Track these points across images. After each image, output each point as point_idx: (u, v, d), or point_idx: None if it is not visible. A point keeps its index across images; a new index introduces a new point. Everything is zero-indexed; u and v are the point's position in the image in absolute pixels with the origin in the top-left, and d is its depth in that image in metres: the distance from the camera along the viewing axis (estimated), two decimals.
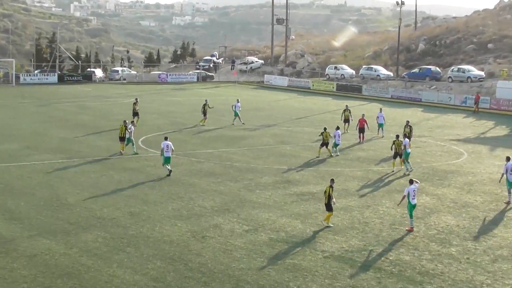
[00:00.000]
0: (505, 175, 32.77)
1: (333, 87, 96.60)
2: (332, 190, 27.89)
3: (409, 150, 39.99)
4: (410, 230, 27.73)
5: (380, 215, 30.07)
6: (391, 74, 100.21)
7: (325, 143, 43.39)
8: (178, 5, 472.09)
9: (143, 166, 39.11)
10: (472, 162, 43.22)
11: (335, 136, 44.17)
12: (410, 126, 46.18)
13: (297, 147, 47.19)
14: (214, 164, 40.49)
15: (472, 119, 68.01)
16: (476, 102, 75.55)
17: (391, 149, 40.23)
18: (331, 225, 28.00)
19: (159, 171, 37.59)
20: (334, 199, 28.17)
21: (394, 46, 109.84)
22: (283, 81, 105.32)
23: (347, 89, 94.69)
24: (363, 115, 50.90)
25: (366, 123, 50.11)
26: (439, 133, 56.12)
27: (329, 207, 27.93)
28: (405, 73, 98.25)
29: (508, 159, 33.07)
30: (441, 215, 30.17)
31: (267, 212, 30.04)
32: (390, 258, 24.35)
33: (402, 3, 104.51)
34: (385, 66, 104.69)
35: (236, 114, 57.71)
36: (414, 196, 27.91)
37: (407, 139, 40.73)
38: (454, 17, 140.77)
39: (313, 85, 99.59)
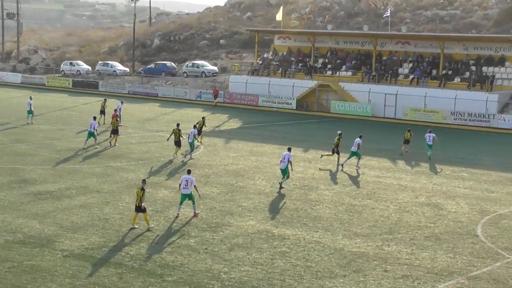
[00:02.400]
0: None
1: (69, 84, 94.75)
2: (143, 193, 27.15)
3: (191, 140, 42.88)
4: (196, 215, 29.39)
5: (120, 210, 30.04)
6: (128, 69, 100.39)
7: None
8: None
9: None
10: (208, 155, 44.51)
11: (91, 126, 45.55)
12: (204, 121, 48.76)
13: (33, 145, 45.74)
14: None
15: (208, 113, 69.98)
16: (215, 96, 78.16)
17: (167, 139, 43.98)
18: (153, 226, 27.60)
19: None
20: (144, 203, 27.23)
21: (129, 41, 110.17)
22: (16, 77, 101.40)
23: (84, 85, 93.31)
24: (116, 110, 51.08)
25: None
26: None
27: (140, 209, 27.17)
28: (141, 68, 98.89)
29: None
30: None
31: (2, 213, 28.83)
32: (131, 253, 24.42)
33: None
34: (121, 62, 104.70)
35: (30, 112, 55.38)
36: (186, 185, 28.82)
37: (194, 130, 43.67)
38: (187, 13, 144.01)
39: (48, 82, 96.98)
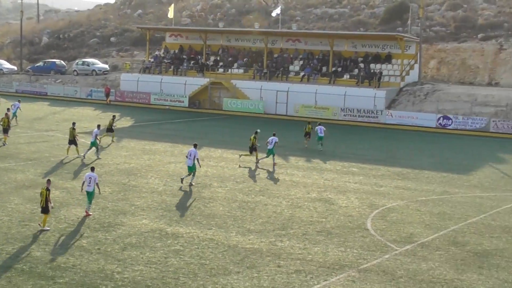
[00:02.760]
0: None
1: None
2: (49, 193, 26.76)
3: (93, 140, 42.29)
4: (88, 215, 29.01)
5: (8, 212, 29.24)
6: (15, 68, 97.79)
7: None
8: None
9: None
10: (100, 154, 43.81)
11: None
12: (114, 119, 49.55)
13: None
14: None
15: (99, 111, 69.02)
16: (107, 95, 77.26)
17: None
18: (48, 228, 26.93)
19: None
20: (51, 203, 27.03)
21: (17, 39, 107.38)
22: None
23: None
24: (8, 109, 50.21)
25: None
26: (66, 127, 55.84)
27: (45, 210, 26.72)
28: (29, 66, 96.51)
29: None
30: (71, 208, 30.19)
31: None
32: (21, 255, 23.80)
33: None
34: (8, 60, 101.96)
35: None
36: (89, 183, 28.94)
37: (97, 130, 42.85)
38: (77, 11, 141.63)
39: None
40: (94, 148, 42.64)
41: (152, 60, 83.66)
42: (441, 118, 64.35)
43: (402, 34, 74.80)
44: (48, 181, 27.54)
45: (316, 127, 48.87)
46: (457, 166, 45.24)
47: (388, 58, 72.96)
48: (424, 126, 64.22)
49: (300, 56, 77.17)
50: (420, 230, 29.01)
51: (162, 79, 78.17)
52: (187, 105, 74.82)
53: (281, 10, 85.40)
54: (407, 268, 23.93)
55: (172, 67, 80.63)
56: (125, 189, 34.49)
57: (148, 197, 33.07)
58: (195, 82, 76.43)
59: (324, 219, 30.17)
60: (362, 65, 73.04)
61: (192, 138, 49.88)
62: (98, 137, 43.01)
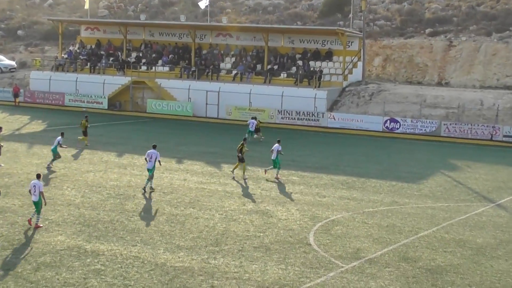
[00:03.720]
0: None
1: None
2: None
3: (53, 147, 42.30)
4: (38, 227, 29.39)
5: None
6: None
7: None
8: None
9: None
10: (7, 163, 43.06)
11: None
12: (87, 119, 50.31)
13: None
14: None
15: (6, 114, 67.88)
16: (16, 95, 75.98)
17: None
18: None
19: None
20: None
21: None
22: None
23: None
24: None
25: None
26: None
27: None
28: None
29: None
30: None
31: None
32: None
33: None
34: None
35: None
36: (34, 192, 29.30)
37: (60, 137, 42.93)
38: None
39: None
40: (56, 156, 42.69)
41: (65, 56, 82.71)
42: (388, 121, 65.25)
43: (344, 29, 75.61)
44: None
45: (249, 121, 53.64)
46: (407, 173, 45.86)
47: (328, 55, 73.64)
48: (370, 130, 65.00)
49: (232, 53, 77.33)
50: (367, 244, 29.25)
51: (77, 77, 77.42)
52: (106, 107, 74.22)
53: (209, 1, 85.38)
54: (354, 287, 24.08)
55: (88, 64, 79.90)
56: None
57: (64, 210, 32.59)
58: (115, 81, 75.90)
59: (261, 234, 30.17)
60: (300, 62, 73.55)
61: (112, 143, 49.61)
62: (60, 145, 42.56)
